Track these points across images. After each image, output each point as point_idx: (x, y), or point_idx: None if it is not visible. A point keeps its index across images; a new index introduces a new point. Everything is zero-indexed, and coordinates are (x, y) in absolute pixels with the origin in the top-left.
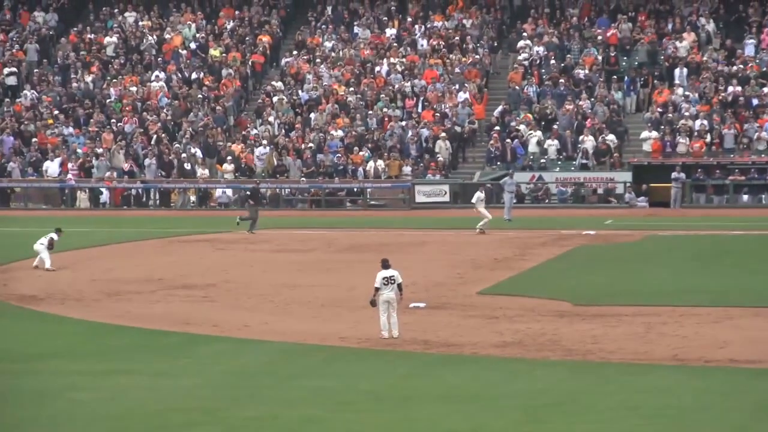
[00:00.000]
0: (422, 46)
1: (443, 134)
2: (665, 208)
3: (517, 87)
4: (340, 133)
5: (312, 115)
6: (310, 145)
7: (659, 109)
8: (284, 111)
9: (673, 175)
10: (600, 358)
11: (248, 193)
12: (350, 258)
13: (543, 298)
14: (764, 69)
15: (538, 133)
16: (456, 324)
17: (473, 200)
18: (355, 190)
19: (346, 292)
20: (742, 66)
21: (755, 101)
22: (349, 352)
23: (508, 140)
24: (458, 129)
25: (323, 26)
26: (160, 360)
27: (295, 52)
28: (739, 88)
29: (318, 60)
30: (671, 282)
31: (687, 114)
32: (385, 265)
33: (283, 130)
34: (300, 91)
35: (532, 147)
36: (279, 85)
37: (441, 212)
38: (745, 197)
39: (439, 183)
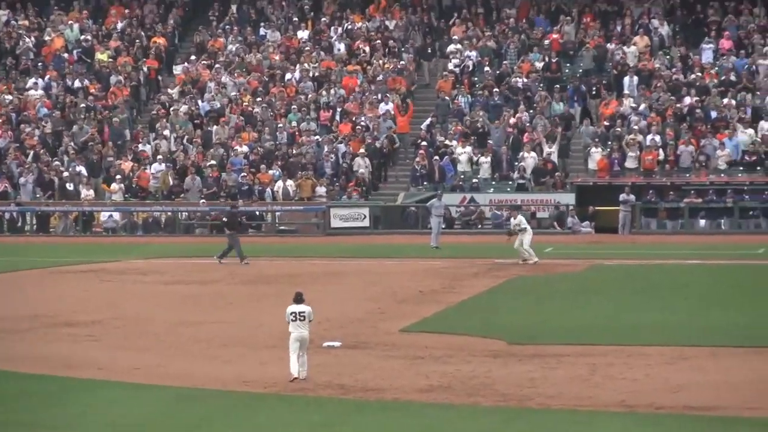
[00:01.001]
0: (339, 50)
1: (363, 150)
2: (612, 234)
3: (446, 97)
4: (245, 148)
5: (213, 129)
6: (212, 162)
7: (606, 123)
8: (181, 124)
9: (622, 197)
10: (538, 405)
11: (224, 219)
12: (256, 291)
13: (474, 335)
14: (723, 77)
15: (469, 149)
16: (376, 366)
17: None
18: (257, 213)
19: (251, 329)
20: (699, 74)
21: (714, 114)
22: (254, 398)
23: (436, 157)
24: (380, 144)
25: (226, 27)
26: (33, 410)
27: (193, 57)
28: (696, 99)
29: (220, 66)
30: (619, 318)
31: (637, 128)
32: (297, 299)
33: (181, 146)
34: (200, 101)
35: (463, 165)
36: (176, 94)
37: (359, 238)
38: (702, 222)
39: (358, 206)
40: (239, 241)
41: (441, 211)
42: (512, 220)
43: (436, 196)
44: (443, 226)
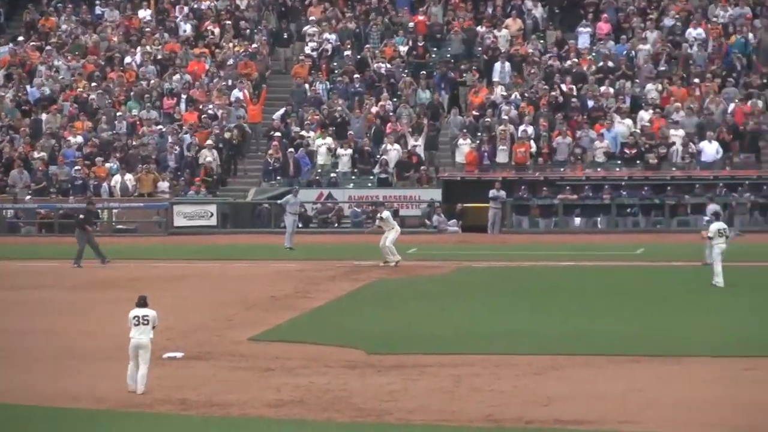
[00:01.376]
0: (185, 31)
1: (210, 142)
2: (481, 233)
3: (302, 84)
4: (79, 139)
5: (44, 117)
6: (41, 154)
7: (475, 112)
8: (7, 111)
9: (492, 193)
10: (398, 420)
11: (81, 216)
12: (89, 297)
13: (330, 345)
14: (601, 64)
15: (328, 140)
16: (222, 378)
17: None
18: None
19: (83, 339)
20: (575, 60)
21: (591, 103)
22: (83, 415)
23: (291, 150)
24: (229, 135)
25: (59, 5)
26: None
27: (21, 38)
28: (572, 87)
29: (52, 47)
30: (486, 325)
31: (507, 118)
32: (140, 302)
33: (7, 136)
34: (28, 87)
35: (321, 158)
36: (1, 78)
37: (206, 238)
38: (577, 220)
39: (204, 202)
40: (95, 241)
41: (296, 209)
42: (379, 215)
43: (291, 192)
44: (299, 225)
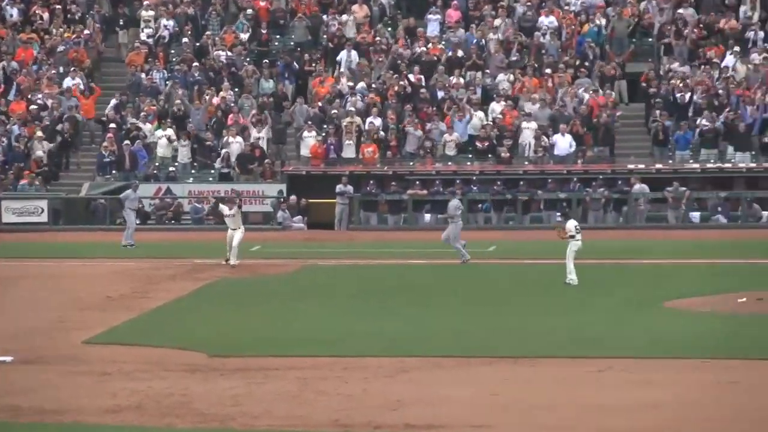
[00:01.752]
0: (11, 16)
1: (40, 134)
2: (328, 230)
3: (138, 72)
4: None
5: None
6: None
7: (320, 103)
8: None
9: (338, 188)
10: (243, 425)
11: None
12: None
13: (170, 347)
14: (450, 53)
15: (169, 131)
16: (55, 383)
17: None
18: None
19: None
20: (425, 49)
21: (441, 94)
22: None
23: (127, 142)
24: (60, 127)
25: None
26: None
27: None
28: (421, 77)
29: None
30: (333, 326)
31: (354, 109)
32: None
33: None
34: None
35: (161, 150)
36: None
37: (36, 236)
38: (428, 216)
39: (34, 197)
40: None
41: (136, 204)
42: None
43: (130, 187)
44: (138, 221)
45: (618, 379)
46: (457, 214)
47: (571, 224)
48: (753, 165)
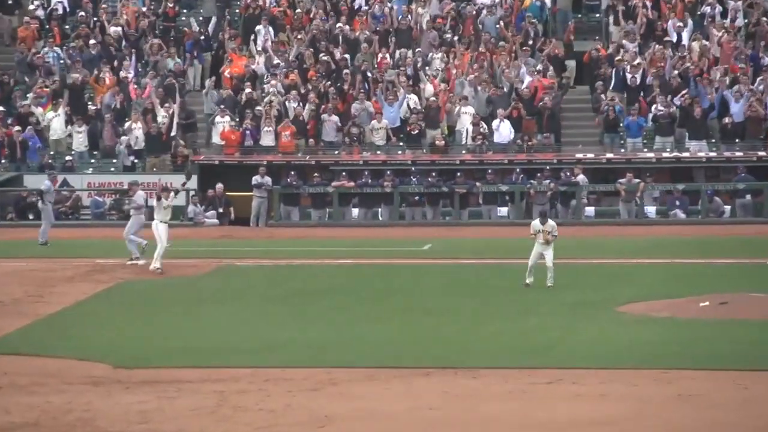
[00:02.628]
0: None
1: None
2: (245, 226)
3: (29, 51)
4: None
5: None
6: None
7: (233, 85)
8: None
9: (255, 179)
10: None
11: None
12: None
13: (69, 358)
14: (378, 29)
15: (60, 113)
16: None
17: None
18: None
19: None
20: (348, 25)
21: (368, 74)
22: None
23: (17, 127)
24: None
25: None
26: None
27: None
28: (346, 56)
29: None
30: (253, 333)
31: (273, 91)
32: None
33: None
34: None
35: (55, 133)
36: None
37: None
38: (355, 211)
39: None
40: None
41: (54, 197)
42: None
43: (48, 177)
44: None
45: (568, 392)
46: (142, 205)
47: (534, 225)
48: (713, 154)
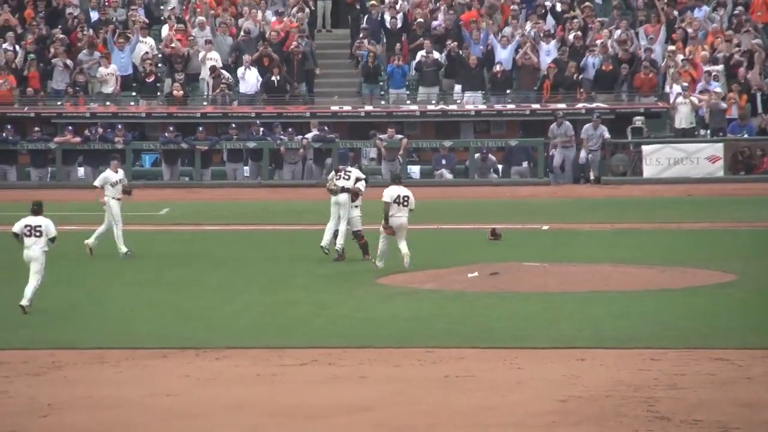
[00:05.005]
0: None
1: None
2: None
3: None
4: None
5: None
6: None
7: None
8: None
9: None
10: None
11: None
12: None
13: None
14: None
15: None
16: None
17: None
18: None
19: None
20: None
21: (95, 15)
22: None
23: None
24: None
25: None
26: None
27: None
28: None
29: None
30: None
31: None
32: (34, 209)
33: None
34: None
35: None
36: None
37: None
38: (81, 171)
39: None
40: None
41: None
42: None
43: None
44: None
45: (324, 374)
46: None
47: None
48: (483, 107)
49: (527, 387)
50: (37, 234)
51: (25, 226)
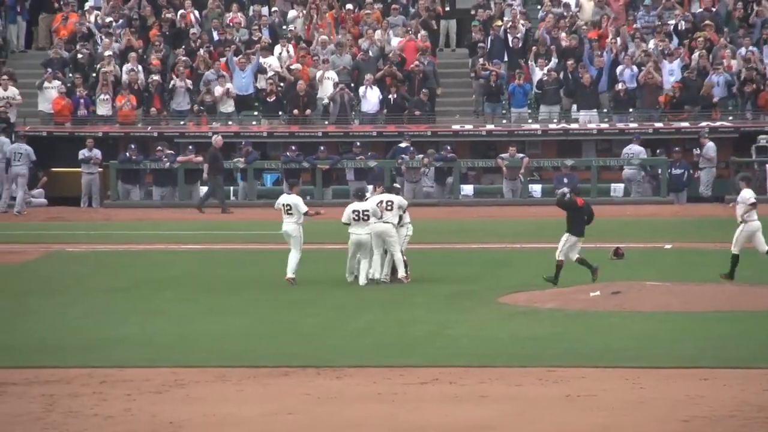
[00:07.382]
0: None
1: None
2: (75, 206)
3: None
4: None
5: None
6: None
7: (66, 44)
8: None
9: (82, 153)
10: None
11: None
12: None
13: None
14: None
15: None
16: None
17: None
18: None
19: None
20: None
21: (216, 35)
22: None
23: None
24: None
25: None
26: None
27: None
28: (194, 13)
29: None
30: (86, 328)
31: (111, 54)
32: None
33: None
34: None
35: None
36: None
37: None
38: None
39: None
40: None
41: None
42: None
43: None
44: None
45: (444, 393)
46: None
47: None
48: (605, 126)
49: (649, 407)
50: (365, 218)
51: (353, 211)
